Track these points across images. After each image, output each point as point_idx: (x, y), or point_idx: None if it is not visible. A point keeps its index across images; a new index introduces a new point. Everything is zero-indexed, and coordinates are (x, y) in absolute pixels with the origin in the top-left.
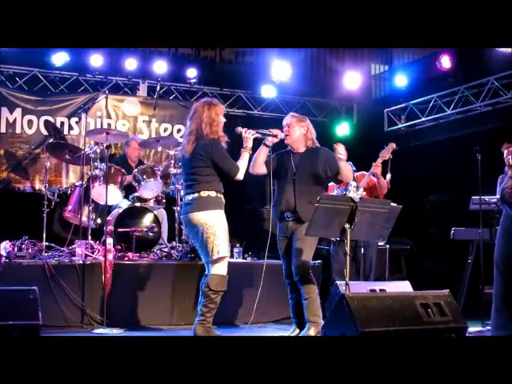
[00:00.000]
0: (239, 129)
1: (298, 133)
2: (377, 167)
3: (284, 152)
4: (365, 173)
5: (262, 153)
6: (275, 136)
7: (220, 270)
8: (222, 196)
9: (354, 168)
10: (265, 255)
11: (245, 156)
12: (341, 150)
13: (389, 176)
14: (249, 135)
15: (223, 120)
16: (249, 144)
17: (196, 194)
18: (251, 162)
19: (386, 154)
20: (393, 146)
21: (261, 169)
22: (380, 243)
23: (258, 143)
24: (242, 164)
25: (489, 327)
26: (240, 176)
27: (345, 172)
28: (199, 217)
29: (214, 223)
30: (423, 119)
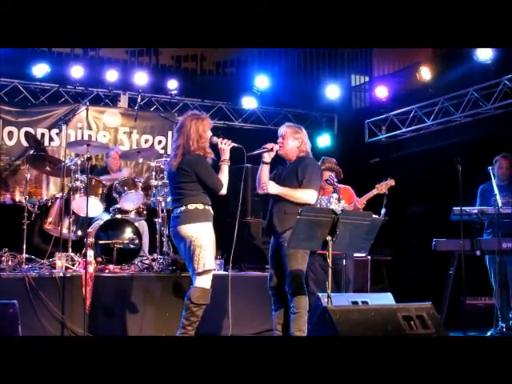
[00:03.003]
0: (214, 139)
1: (292, 144)
2: (361, 203)
3: (280, 164)
4: (348, 188)
5: (265, 170)
6: (271, 150)
7: (203, 283)
8: (210, 208)
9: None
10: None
11: (224, 169)
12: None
13: (383, 211)
14: (225, 146)
15: (210, 134)
16: (226, 156)
17: (183, 207)
18: (256, 183)
19: (384, 188)
20: (392, 182)
21: None
22: (361, 254)
23: (236, 154)
24: (224, 178)
25: None
26: (224, 191)
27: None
28: (186, 229)
29: (201, 236)
30: (404, 130)
